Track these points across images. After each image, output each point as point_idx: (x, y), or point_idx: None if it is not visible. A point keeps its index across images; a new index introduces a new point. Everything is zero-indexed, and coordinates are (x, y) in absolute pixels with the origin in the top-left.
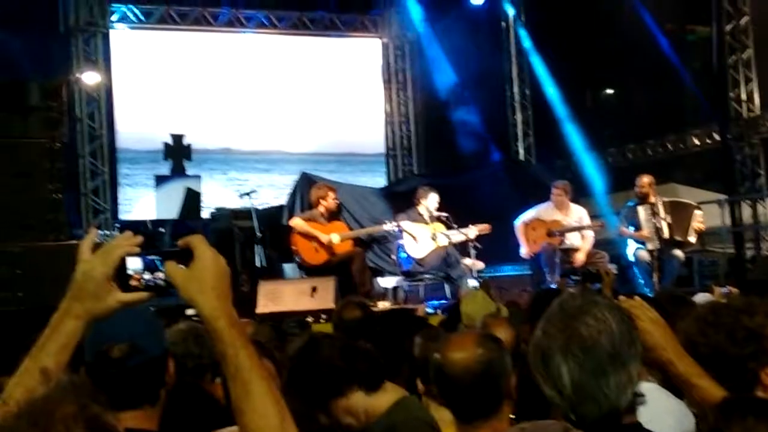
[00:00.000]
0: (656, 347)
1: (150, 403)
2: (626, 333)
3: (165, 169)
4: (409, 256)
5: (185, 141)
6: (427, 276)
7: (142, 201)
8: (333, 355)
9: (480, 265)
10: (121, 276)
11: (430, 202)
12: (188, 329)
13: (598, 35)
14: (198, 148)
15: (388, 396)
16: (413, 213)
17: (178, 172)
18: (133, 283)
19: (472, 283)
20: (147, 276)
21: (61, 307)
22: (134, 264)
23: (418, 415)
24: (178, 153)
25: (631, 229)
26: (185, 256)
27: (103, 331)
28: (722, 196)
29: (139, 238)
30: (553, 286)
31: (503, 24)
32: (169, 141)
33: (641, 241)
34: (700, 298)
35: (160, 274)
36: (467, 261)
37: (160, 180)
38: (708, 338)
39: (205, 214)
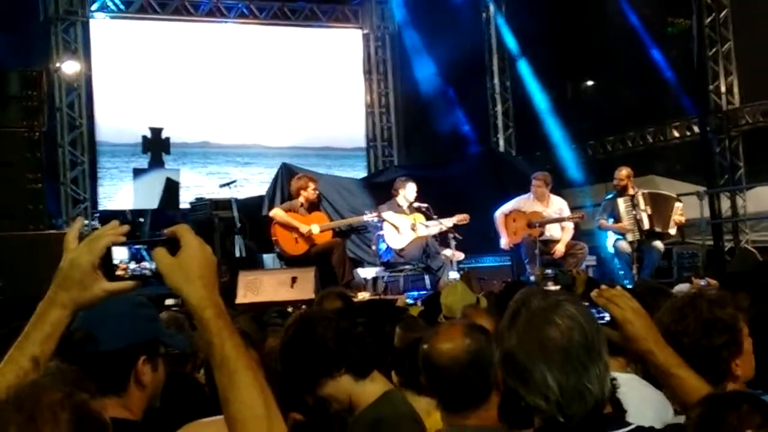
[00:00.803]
0: (637, 337)
1: (115, 392)
2: (592, 322)
3: (144, 162)
4: (389, 246)
5: (164, 134)
6: (407, 267)
7: (121, 192)
8: (326, 335)
9: (460, 255)
10: (107, 265)
11: (408, 192)
12: (169, 319)
13: (578, 27)
14: (177, 141)
15: (376, 386)
16: (393, 204)
17: (156, 165)
18: (119, 272)
19: (453, 274)
20: (133, 265)
21: (47, 296)
22: (120, 253)
23: (404, 411)
24: (156, 146)
25: (611, 221)
26: (172, 245)
27: (84, 316)
28: (701, 188)
29: (126, 228)
30: (532, 278)
31: (484, 15)
32: (148, 134)
33: (621, 233)
34: (680, 289)
35: (146, 264)
36: (447, 252)
37: (138, 173)
38: (683, 328)
39: (184, 204)
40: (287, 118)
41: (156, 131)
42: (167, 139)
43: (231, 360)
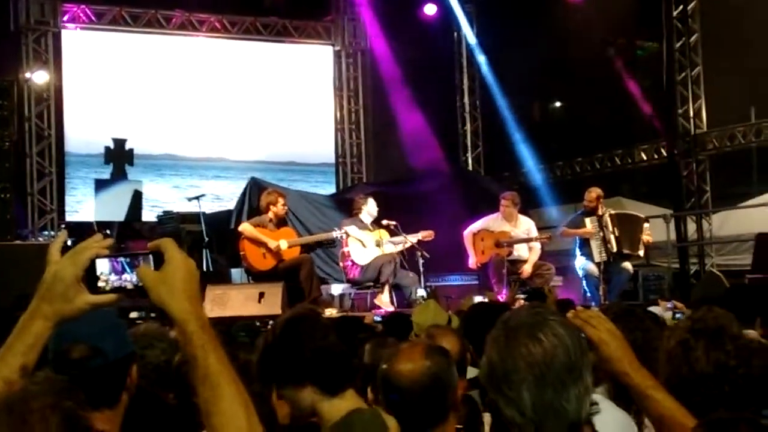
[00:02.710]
0: (612, 358)
1: (108, 405)
2: (578, 344)
3: (108, 173)
4: (354, 263)
5: (128, 145)
6: (374, 284)
7: (89, 204)
8: (306, 344)
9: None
10: (90, 278)
11: (370, 208)
12: (152, 330)
13: (548, 48)
14: (142, 153)
15: (345, 404)
16: (356, 220)
17: (119, 176)
18: (101, 284)
19: (420, 291)
20: (113, 278)
21: (29, 308)
22: (101, 266)
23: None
24: (119, 157)
25: (578, 240)
26: (156, 259)
27: (64, 332)
28: (668, 211)
29: (110, 241)
30: (500, 298)
31: (455, 35)
32: (111, 145)
33: (589, 254)
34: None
35: (127, 276)
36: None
37: (100, 184)
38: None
39: (150, 216)
40: (255, 132)
41: (119, 142)
42: (131, 150)
43: (215, 374)
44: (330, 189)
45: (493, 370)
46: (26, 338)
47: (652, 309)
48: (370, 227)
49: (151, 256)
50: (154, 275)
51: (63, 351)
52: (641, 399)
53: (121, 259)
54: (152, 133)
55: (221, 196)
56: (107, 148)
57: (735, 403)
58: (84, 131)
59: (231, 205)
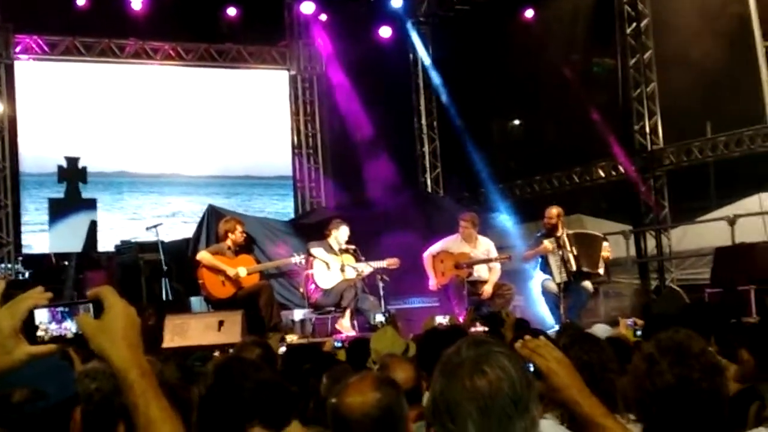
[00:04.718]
0: (561, 387)
1: None
2: (523, 376)
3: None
4: (317, 286)
5: (80, 163)
6: (334, 309)
7: (43, 234)
8: (243, 385)
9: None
10: (28, 328)
11: (341, 234)
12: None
13: (503, 67)
14: (95, 170)
15: None
16: (324, 243)
17: (72, 195)
18: (40, 333)
19: (379, 317)
20: (53, 326)
21: None
22: (41, 315)
23: None
24: (72, 175)
25: (539, 260)
26: (96, 307)
27: (4, 374)
28: (627, 227)
29: (49, 294)
30: (461, 319)
31: (411, 56)
32: (64, 164)
33: (550, 274)
34: (599, 330)
35: (67, 325)
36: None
37: (54, 204)
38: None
39: (108, 245)
40: (209, 149)
41: (72, 160)
42: (84, 168)
43: (156, 421)
44: (290, 202)
45: (437, 404)
46: None
47: (599, 327)
48: (337, 252)
49: (90, 305)
50: (94, 324)
51: (3, 395)
52: (591, 427)
53: (60, 308)
54: (105, 151)
55: (174, 213)
56: (60, 167)
57: (697, 419)
58: (37, 150)
59: (186, 223)
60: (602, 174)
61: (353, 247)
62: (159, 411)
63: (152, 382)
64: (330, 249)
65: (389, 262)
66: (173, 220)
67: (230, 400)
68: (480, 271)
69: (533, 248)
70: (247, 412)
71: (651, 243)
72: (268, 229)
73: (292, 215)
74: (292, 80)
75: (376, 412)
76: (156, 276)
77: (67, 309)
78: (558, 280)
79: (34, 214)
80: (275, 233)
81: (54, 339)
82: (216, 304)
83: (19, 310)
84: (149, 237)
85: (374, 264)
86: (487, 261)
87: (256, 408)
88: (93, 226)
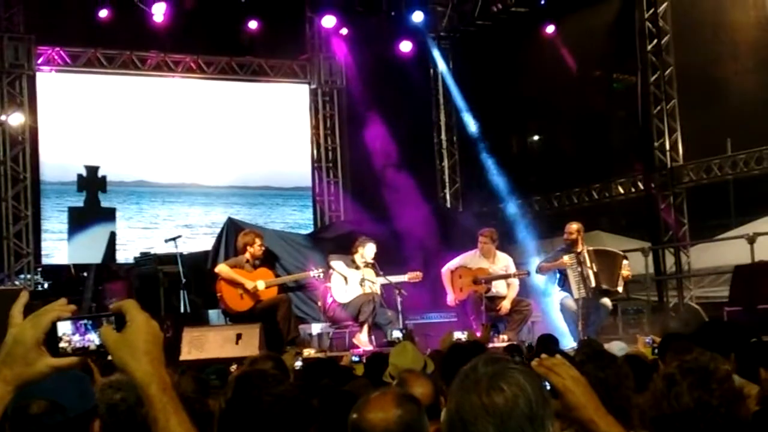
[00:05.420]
0: (577, 406)
1: None
2: (540, 394)
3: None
4: (334, 300)
5: (100, 172)
6: (353, 322)
7: (66, 245)
8: (261, 398)
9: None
10: (51, 340)
11: (367, 251)
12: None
13: (524, 82)
14: (115, 180)
15: None
16: (347, 260)
17: (92, 204)
18: (63, 345)
19: (396, 333)
20: (77, 338)
21: None
22: (64, 327)
23: None
24: (92, 185)
25: (557, 275)
26: (118, 321)
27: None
28: (646, 244)
29: (73, 307)
30: (479, 335)
31: (431, 71)
32: (83, 173)
33: (568, 290)
34: (615, 347)
35: (90, 337)
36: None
37: (74, 212)
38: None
39: (126, 254)
40: (229, 160)
41: (92, 169)
42: (104, 177)
43: None
44: (308, 214)
45: (453, 420)
46: None
47: (615, 344)
48: (359, 265)
49: (114, 318)
50: (116, 337)
51: (22, 407)
52: None
53: (84, 320)
54: (125, 161)
55: (192, 224)
56: (80, 176)
57: None
58: (57, 158)
59: (204, 231)
60: (621, 190)
61: (372, 261)
62: (179, 426)
63: (173, 396)
64: (351, 263)
65: (411, 276)
66: (192, 231)
67: (249, 414)
68: (498, 287)
69: (551, 261)
70: (266, 426)
71: (670, 260)
72: (287, 242)
73: (312, 226)
74: (313, 94)
75: (398, 428)
76: (174, 288)
77: (90, 321)
78: (576, 295)
79: (54, 222)
80: (294, 246)
81: (77, 350)
82: (234, 318)
83: (43, 322)
84: (168, 248)
85: (396, 278)
86: (505, 277)
87: (276, 421)
88: (112, 237)
